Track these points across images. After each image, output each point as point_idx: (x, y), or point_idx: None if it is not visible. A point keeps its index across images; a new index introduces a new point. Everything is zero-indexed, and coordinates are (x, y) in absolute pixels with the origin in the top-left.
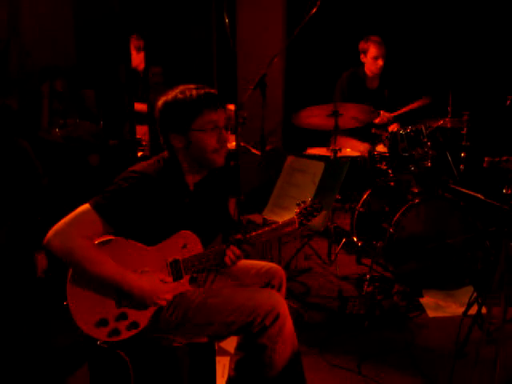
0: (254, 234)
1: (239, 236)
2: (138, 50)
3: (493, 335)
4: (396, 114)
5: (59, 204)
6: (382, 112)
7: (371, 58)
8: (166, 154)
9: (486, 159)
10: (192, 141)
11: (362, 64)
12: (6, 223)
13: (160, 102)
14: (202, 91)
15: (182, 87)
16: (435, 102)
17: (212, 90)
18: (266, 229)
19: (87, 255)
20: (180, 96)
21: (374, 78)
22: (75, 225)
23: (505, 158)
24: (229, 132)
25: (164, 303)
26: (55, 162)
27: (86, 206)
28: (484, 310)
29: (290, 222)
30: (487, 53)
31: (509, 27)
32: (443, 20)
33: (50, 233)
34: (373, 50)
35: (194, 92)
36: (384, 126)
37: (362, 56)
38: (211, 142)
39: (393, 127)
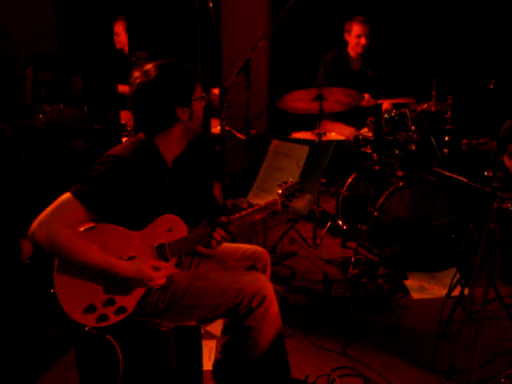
0: (237, 215)
1: (223, 218)
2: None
3: (474, 316)
4: (379, 102)
5: (44, 190)
6: (367, 96)
7: (355, 36)
8: (141, 135)
9: (463, 141)
10: (194, 111)
11: (346, 45)
12: None
13: (152, 78)
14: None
15: (161, 63)
16: (419, 100)
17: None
18: (250, 210)
19: (72, 245)
20: (175, 68)
21: (357, 59)
22: (58, 215)
23: (482, 140)
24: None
25: (154, 286)
26: (39, 148)
27: (67, 195)
28: (467, 292)
29: (272, 203)
30: (471, 36)
31: (493, 11)
32: (428, 2)
33: (34, 224)
34: (356, 28)
35: (183, 64)
36: (370, 108)
37: (346, 35)
38: (202, 110)
39: (386, 106)
